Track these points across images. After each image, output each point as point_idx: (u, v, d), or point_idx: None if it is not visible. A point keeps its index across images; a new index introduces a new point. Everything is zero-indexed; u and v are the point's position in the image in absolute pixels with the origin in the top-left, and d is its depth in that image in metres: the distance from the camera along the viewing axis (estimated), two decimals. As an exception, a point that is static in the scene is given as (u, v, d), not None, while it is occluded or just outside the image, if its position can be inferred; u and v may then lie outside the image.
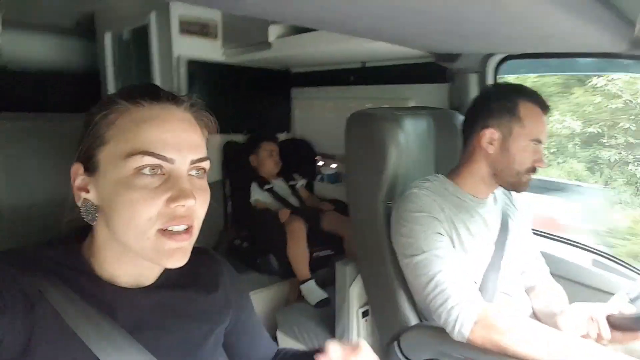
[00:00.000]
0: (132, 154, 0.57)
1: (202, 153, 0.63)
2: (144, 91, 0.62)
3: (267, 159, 2.47)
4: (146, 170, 0.58)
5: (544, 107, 1.18)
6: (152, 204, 0.57)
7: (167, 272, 0.68)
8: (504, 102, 1.18)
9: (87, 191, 0.62)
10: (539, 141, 1.17)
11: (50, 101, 2.41)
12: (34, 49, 3.37)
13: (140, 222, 0.57)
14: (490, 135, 1.19)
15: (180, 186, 0.58)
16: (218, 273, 0.76)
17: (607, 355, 0.94)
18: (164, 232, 0.58)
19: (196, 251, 0.77)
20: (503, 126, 1.18)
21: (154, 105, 0.61)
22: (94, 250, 0.63)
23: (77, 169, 0.62)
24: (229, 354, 0.78)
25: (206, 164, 0.64)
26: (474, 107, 1.27)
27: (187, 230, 0.60)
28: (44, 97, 2.96)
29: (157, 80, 2.50)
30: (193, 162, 0.61)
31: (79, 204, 0.62)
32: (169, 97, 0.62)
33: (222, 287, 0.75)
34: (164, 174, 0.59)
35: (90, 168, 0.61)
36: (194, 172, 0.62)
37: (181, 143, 0.60)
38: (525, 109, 1.16)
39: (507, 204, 1.36)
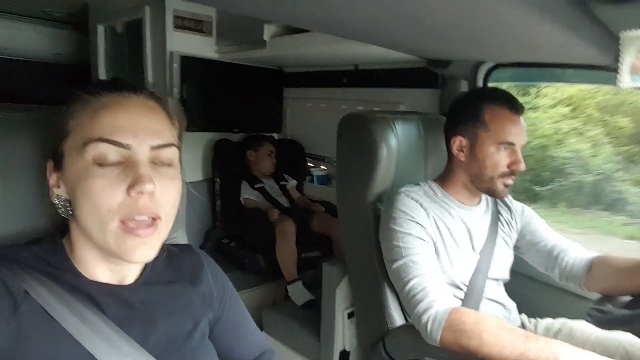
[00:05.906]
0: (88, 142, 0.56)
1: (165, 139, 0.60)
2: (105, 83, 0.61)
3: (266, 159, 2.50)
4: (103, 159, 0.56)
5: (514, 109, 1.15)
6: (112, 194, 0.55)
7: (151, 268, 0.68)
8: (469, 108, 1.19)
9: (59, 186, 0.61)
10: (510, 144, 1.15)
11: (40, 92, 2.38)
12: (25, 39, 3.32)
13: (101, 213, 0.55)
14: (459, 143, 1.21)
15: (137, 172, 0.56)
16: (200, 267, 0.76)
17: (579, 355, 0.89)
18: (127, 226, 0.56)
19: (178, 247, 0.78)
20: (469, 132, 1.18)
21: (112, 94, 0.60)
22: (73, 246, 0.62)
23: (50, 166, 0.62)
24: (218, 348, 0.78)
25: (171, 152, 0.61)
26: (448, 115, 1.29)
27: (152, 222, 0.58)
28: (33, 87, 2.93)
29: (149, 75, 2.49)
30: (153, 147, 0.59)
31: (53, 199, 0.62)
32: (129, 87, 0.61)
33: (205, 281, 0.75)
34: (123, 162, 0.57)
35: (58, 163, 0.61)
36: (158, 161, 0.60)
37: (138, 128, 0.58)
38: (490, 112, 1.15)
39: (499, 211, 1.34)
